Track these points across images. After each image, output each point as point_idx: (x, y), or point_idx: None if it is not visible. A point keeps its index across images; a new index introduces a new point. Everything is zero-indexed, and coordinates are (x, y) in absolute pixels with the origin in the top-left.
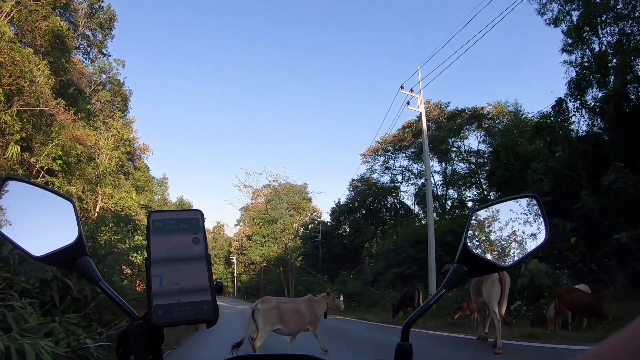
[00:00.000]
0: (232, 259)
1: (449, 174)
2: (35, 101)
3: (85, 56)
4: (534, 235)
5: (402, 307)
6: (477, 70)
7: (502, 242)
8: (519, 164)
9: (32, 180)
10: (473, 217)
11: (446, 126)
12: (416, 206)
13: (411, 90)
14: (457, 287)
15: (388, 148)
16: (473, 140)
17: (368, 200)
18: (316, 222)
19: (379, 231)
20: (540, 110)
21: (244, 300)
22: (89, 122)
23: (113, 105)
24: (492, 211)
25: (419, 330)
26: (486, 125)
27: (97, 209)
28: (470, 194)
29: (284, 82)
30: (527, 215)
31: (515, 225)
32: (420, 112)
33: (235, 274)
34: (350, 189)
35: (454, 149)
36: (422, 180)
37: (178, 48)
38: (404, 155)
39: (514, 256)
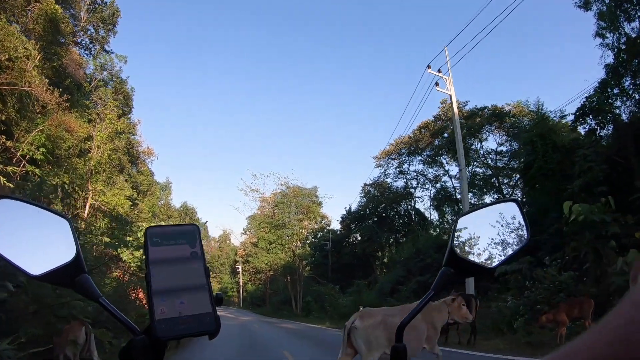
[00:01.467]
0: (238, 268)
1: (468, 176)
2: (19, 81)
3: (86, 52)
4: (516, 237)
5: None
6: (492, 70)
7: (487, 245)
8: (557, 155)
9: (27, 199)
10: (459, 223)
11: (465, 125)
12: (434, 211)
13: (439, 71)
14: (445, 289)
15: (402, 151)
16: (491, 143)
17: (380, 207)
18: (325, 230)
19: (392, 239)
20: (562, 108)
21: (249, 310)
22: (83, 114)
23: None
24: (477, 216)
25: (479, 353)
26: (507, 125)
27: (88, 207)
28: (490, 198)
29: (293, 82)
30: (507, 218)
31: (499, 229)
32: (450, 95)
33: (240, 284)
34: (362, 194)
35: (472, 151)
36: (439, 185)
37: (183, 51)
38: (418, 159)
39: (498, 258)
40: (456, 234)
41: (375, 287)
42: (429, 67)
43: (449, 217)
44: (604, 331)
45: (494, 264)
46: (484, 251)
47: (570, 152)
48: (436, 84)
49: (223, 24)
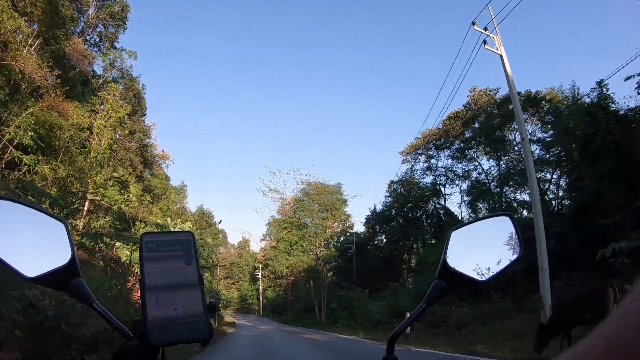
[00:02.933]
0: (258, 274)
1: (503, 168)
2: (7, 55)
3: (95, 48)
4: (509, 251)
5: (566, 325)
6: (521, 57)
7: (480, 258)
8: (618, 127)
9: (24, 200)
10: (452, 236)
11: (499, 113)
12: (467, 209)
13: (485, 29)
14: (438, 301)
15: (429, 145)
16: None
17: (407, 207)
18: (348, 233)
19: (419, 240)
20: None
21: (269, 318)
22: (85, 104)
23: (124, 99)
24: (470, 230)
25: None
26: (542, 112)
27: (87, 203)
28: (525, 195)
29: (313, 76)
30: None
31: (491, 242)
32: (501, 55)
33: (260, 290)
34: (387, 194)
35: (506, 142)
36: (470, 180)
37: (195, 48)
38: (447, 153)
39: (491, 271)
40: (449, 247)
41: (403, 290)
42: (473, 24)
43: (483, 213)
44: (598, 341)
45: (486, 277)
46: (477, 263)
47: (629, 124)
48: (484, 42)
49: (238, 19)
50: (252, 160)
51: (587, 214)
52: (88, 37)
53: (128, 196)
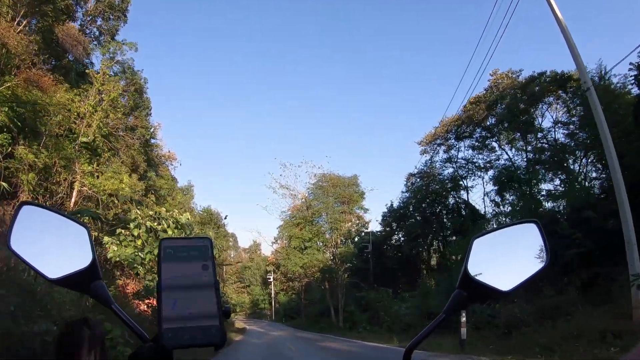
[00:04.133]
0: (269, 278)
1: (530, 155)
2: None
3: (95, 42)
4: (535, 260)
5: None
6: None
7: (503, 268)
8: None
9: (48, 206)
10: (474, 244)
11: (522, 96)
12: (491, 202)
13: None
14: (457, 312)
15: (449, 135)
16: (548, 121)
17: (426, 202)
18: (363, 233)
19: (440, 237)
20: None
21: (281, 323)
22: (77, 90)
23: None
24: (494, 237)
25: None
26: (569, 95)
27: (75, 195)
28: (551, 186)
29: (316, 70)
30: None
31: (516, 250)
32: None
33: (272, 294)
34: (405, 189)
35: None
36: (492, 171)
37: (200, 45)
38: (467, 144)
39: (515, 281)
40: (471, 255)
41: (427, 291)
42: None
43: (509, 204)
44: None
45: (509, 288)
46: (500, 273)
47: None
48: None
49: (243, 14)
50: (262, 158)
51: (635, 192)
52: (88, 32)
53: (98, 166)
